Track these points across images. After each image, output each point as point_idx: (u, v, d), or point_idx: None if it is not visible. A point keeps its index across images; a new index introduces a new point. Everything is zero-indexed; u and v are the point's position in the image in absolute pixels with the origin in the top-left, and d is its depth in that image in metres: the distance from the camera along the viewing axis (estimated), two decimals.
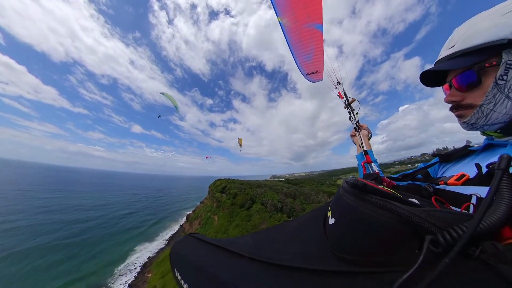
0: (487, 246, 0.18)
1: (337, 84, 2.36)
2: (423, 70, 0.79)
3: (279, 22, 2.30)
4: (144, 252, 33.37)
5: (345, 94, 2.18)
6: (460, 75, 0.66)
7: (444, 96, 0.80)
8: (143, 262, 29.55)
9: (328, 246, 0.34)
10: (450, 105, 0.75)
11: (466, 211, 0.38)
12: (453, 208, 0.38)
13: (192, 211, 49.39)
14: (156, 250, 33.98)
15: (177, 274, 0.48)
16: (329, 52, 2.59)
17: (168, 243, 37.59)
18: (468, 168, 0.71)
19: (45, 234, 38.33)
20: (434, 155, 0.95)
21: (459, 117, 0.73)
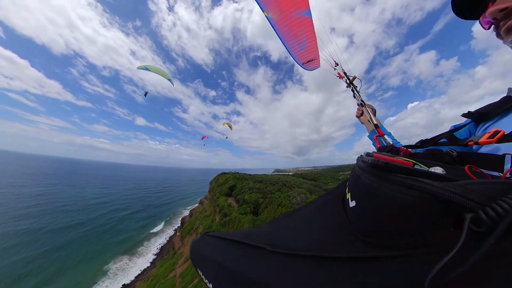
0: None
1: (335, 66, 2.38)
2: None
3: (266, 16, 2.27)
4: (119, 276, 26.73)
5: (344, 73, 2.21)
6: None
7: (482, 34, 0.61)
8: None
9: (351, 230, 0.31)
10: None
11: (509, 178, 0.31)
12: (488, 173, 0.32)
13: (189, 213, 41.87)
14: (137, 273, 27.31)
15: (200, 273, 0.48)
16: (320, 32, 2.55)
17: (153, 260, 31.15)
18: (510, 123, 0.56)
19: (3, 251, 30.44)
20: (464, 115, 0.80)
21: (509, 30, 0.52)
